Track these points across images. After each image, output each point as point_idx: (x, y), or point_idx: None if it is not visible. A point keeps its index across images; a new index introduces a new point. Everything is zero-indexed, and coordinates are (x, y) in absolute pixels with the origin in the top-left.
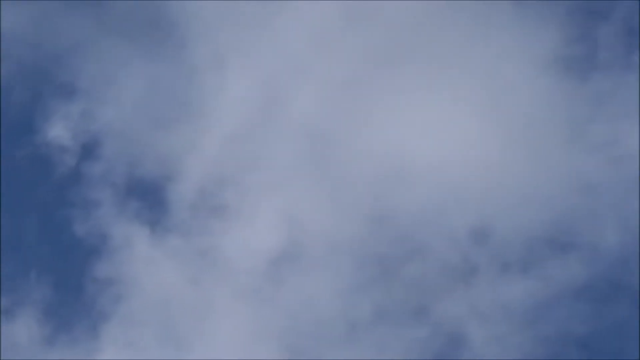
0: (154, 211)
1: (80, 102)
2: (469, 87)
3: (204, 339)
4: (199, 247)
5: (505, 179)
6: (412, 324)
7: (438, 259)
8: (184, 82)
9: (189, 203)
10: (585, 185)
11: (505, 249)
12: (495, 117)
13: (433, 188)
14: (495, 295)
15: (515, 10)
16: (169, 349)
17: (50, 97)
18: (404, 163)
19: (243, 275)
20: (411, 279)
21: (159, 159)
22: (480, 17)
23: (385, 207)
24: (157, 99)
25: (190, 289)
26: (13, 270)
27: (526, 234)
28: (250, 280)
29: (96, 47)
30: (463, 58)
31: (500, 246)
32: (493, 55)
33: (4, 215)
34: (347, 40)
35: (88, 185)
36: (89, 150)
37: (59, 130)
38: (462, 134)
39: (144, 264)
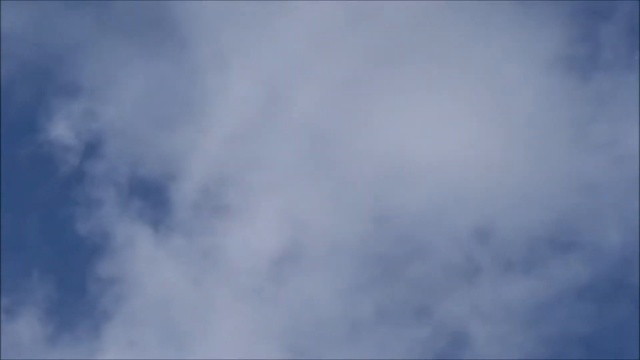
0: (156, 210)
1: (83, 101)
2: (471, 87)
3: (205, 338)
4: (201, 247)
5: (507, 179)
6: (414, 323)
7: (440, 259)
8: (186, 82)
9: (191, 202)
10: (587, 185)
11: (507, 248)
12: (497, 117)
13: (435, 188)
14: (497, 295)
15: (517, 10)
16: (171, 348)
17: (53, 96)
18: (406, 163)
19: (245, 275)
20: (413, 279)
21: (161, 159)
22: (482, 17)
23: (387, 206)
24: (160, 98)
25: (192, 289)
26: (15, 269)
27: (528, 233)
28: (252, 280)
29: (98, 46)
30: (465, 58)
31: (502, 246)
32: (495, 55)
33: (7, 214)
34: (348, 41)
35: (90, 185)
36: (91, 149)
37: (61, 130)
38: (464, 133)
39: (146, 264)
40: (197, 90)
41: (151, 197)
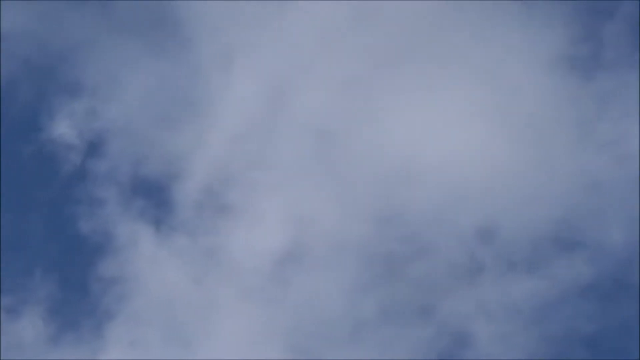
0: (159, 210)
1: (85, 100)
2: (475, 87)
3: (208, 338)
4: (204, 247)
5: (510, 179)
6: (417, 323)
7: (444, 258)
8: (189, 81)
9: (194, 202)
10: (590, 184)
11: (511, 247)
12: (501, 116)
13: (439, 187)
14: (501, 294)
15: (520, 10)
16: (173, 348)
17: (55, 95)
18: (410, 162)
19: (248, 274)
20: (417, 278)
21: (164, 158)
22: (485, 17)
23: (391, 206)
24: (163, 97)
25: (195, 288)
26: (18, 268)
27: (532, 233)
28: (255, 280)
29: (101, 45)
30: (469, 58)
31: (506, 245)
32: (498, 55)
33: (9, 213)
34: (353, 40)
35: (93, 184)
36: (94, 148)
37: (64, 128)
38: (467, 133)
39: (148, 263)
40: (200, 89)
41: (154, 196)
